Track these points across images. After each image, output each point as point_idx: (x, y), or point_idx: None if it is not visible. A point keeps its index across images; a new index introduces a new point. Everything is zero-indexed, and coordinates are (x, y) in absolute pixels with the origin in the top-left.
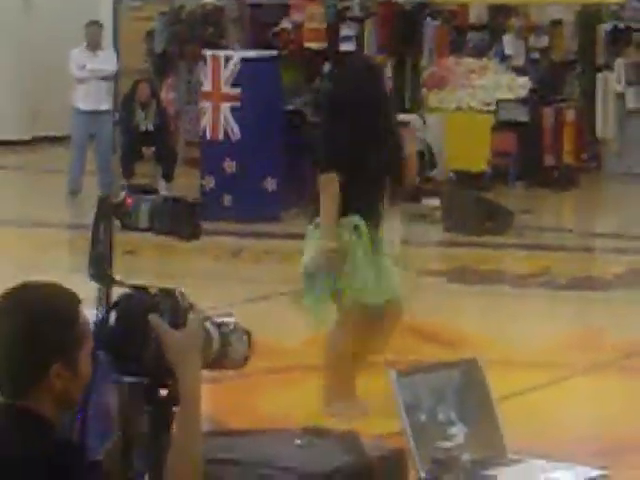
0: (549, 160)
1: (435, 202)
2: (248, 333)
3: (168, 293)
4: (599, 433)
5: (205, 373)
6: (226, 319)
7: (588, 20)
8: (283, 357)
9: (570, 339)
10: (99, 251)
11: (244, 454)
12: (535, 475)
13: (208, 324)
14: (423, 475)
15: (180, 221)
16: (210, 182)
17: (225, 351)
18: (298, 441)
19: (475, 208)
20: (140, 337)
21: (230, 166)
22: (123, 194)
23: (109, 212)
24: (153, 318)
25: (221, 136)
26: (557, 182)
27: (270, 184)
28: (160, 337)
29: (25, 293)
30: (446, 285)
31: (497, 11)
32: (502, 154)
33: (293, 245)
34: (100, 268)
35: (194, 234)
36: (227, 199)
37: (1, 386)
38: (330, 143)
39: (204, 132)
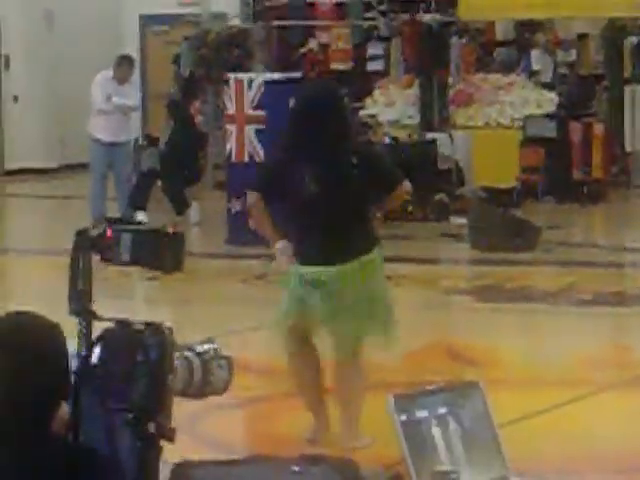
0: (578, 175)
1: (462, 220)
2: (229, 359)
3: (155, 328)
4: (621, 450)
5: (223, 399)
6: (206, 346)
7: (614, 34)
8: None
9: (598, 356)
10: (79, 286)
11: None
12: None
13: (189, 353)
14: None
15: (161, 253)
16: (236, 205)
17: (207, 379)
18: (295, 468)
19: (502, 225)
20: (126, 373)
21: None
22: (103, 226)
23: (88, 245)
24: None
25: (246, 159)
26: (586, 197)
27: None
28: None
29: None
30: (474, 303)
31: (524, 27)
32: (531, 170)
33: None
34: (80, 303)
35: (176, 267)
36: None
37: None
38: None
39: (229, 155)
